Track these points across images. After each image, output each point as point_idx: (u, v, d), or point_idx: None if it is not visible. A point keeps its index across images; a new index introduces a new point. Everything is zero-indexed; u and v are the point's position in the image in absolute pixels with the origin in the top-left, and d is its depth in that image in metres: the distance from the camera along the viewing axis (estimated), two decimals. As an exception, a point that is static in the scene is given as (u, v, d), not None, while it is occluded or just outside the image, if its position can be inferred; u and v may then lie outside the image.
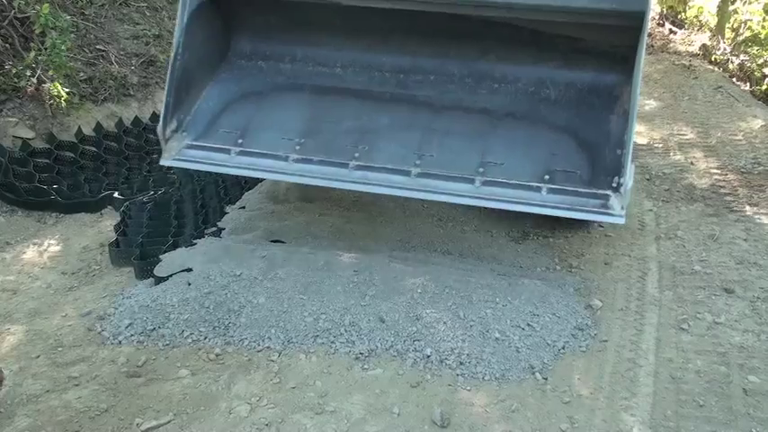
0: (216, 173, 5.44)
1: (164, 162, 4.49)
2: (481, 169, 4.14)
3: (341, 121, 4.52)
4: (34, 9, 6.57)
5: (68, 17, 6.94)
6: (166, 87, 4.42)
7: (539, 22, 4.08)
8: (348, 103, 4.64)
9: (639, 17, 3.66)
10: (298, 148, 4.40)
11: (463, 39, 4.39)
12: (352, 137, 4.40)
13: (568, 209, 3.93)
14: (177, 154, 4.48)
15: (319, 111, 4.61)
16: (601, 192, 3.91)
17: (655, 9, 16.93)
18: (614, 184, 3.86)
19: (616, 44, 4.03)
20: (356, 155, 4.30)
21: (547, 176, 4.07)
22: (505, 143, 4.28)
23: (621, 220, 3.84)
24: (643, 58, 3.70)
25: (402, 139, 4.37)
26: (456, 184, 4.10)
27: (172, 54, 4.40)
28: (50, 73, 6.50)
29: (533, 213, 4.06)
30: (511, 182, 4.07)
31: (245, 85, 4.83)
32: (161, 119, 4.43)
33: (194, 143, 4.53)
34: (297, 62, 4.83)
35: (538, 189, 4.03)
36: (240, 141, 4.50)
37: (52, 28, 6.40)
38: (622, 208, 3.83)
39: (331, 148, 4.35)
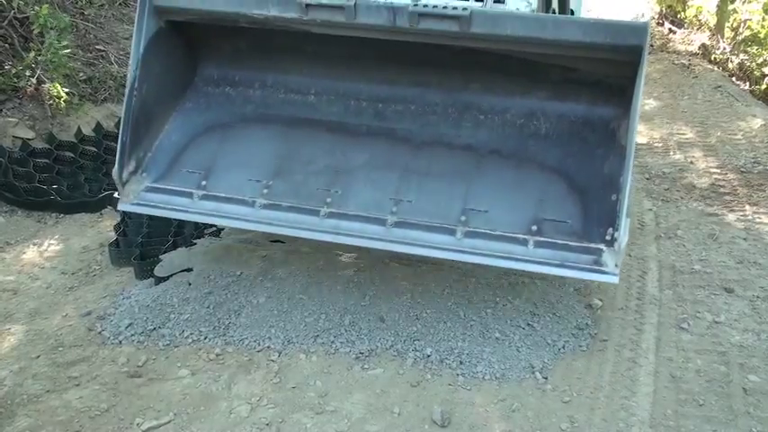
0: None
1: (121, 207, 4.10)
2: (463, 218, 3.75)
3: (313, 158, 4.14)
4: (33, 9, 6.57)
5: (67, 17, 6.93)
6: (121, 126, 3.98)
7: (528, 53, 3.73)
8: (321, 137, 4.25)
9: (637, 51, 3.31)
10: (265, 191, 4.00)
11: (446, 67, 4.06)
12: (324, 178, 4.03)
13: (557, 265, 3.53)
14: (135, 198, 4.05)
15: (290, 146, 4.23)
16: (593, 246, 3.50)
17: (654, 9, 16.94)
18: (608, 237, 3.45)
19: (612, 75, 3.71)
20: (328, 200, 3.92)
21: (534, 227, 3.66)
22: (490, 186, 3.90)
23: (615, 280, 3.42)
24: (641, 94, 3.36)
25: (378, 181, 3.99)
26: (436, 236, 3.71)
27: (127, 89, 3.96)
28: (50, 73, 6.49)
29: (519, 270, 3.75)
30: (495, 233, 3.68)
31: (212, 115, 4.40)
32: (116, 160, 3.96)
33: (154, 185, 4.09)
34: (267, 88, 4.44)
35: (524, 242, 3.63)
36: (203, 183, 4.08)
37: (51, 28, 6.39)
38: (616, 266, 3.41)
39: (301, 192, 3.99)
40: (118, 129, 7.03)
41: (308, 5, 3.64)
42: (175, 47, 4.22)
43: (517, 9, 4.36)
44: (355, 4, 3.58)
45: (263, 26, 3.90)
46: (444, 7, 3.48)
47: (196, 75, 4.48)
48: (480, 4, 4.06)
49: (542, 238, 3.60)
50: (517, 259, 3.57)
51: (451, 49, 3.78)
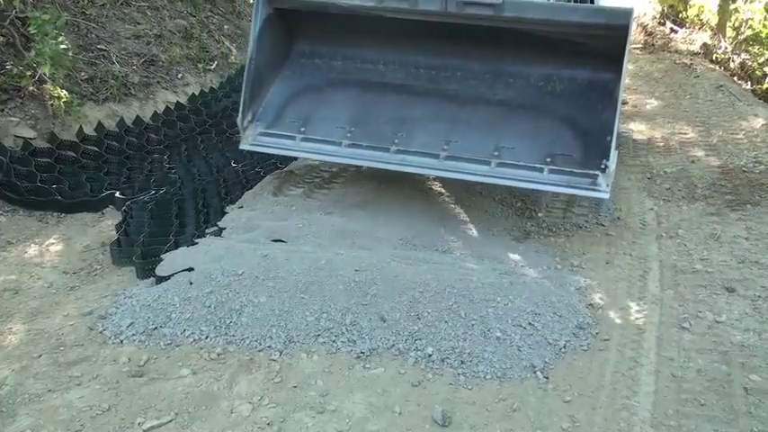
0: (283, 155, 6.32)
1: (242, 146, 5.60)
2: (496, 153, 5.05)
3: (383, 112, 5.49)
4: (34, 11, 6.57)
5: (67, 16, 6.93)
6: (243, 85, 5.45)
7: (547, 31, 4.92)
8: (389, 96, 5.60)
9: (624, 29, 4.50)
10: (349, 135, 5.40)
11: (483, 42, 5.23)
12: (392, 125, 5.38)
13: (565, 186, 4.84)
14: (253, 140, 5.57)
15: (365, 103, 5.59)
16: (591, 172, 4.78)
17: (655, 8, 16.91)
18: (602, 166, 4.72)
19: (609, 48, 4.73)
20: (396, 141, 5.27)
21: (548, 159, 4.94)
22: (516, 131, 5.17)
23: (606, 196, 4.77)
24: (627, 63, 4.59)
25: (433, 128, 5.31)
26: (476, 166, 5.03)
27: (248, 58, 5.45)
28: (50, 72, 6.48)
29: (537, 190, 5.09)
30: (519, 163, 4.96)
31: (305, 80, 5.84)
32: (240, 111, 5.47)
33: (266, 131, 5.59)
34: (347, 60, 5.81)
35: (540, 170, 4.91)
36: (303, 129, 5.52)
37: (45, 35, 6.36)
38: (607, 185, 4.72)
39: (375, 135, 5.34)
40: (120, 128, 7.10)
41: None
42: (278, 29, 5.66)
43: None
44: None
45: (347, 12, 5.19)
46: None
47: (292, 50, 5.95)
48: None
49: (554, 167, 4.90)
50: (536, 182, 4.90)
51: (488, 29, 5.01)
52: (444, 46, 5.45)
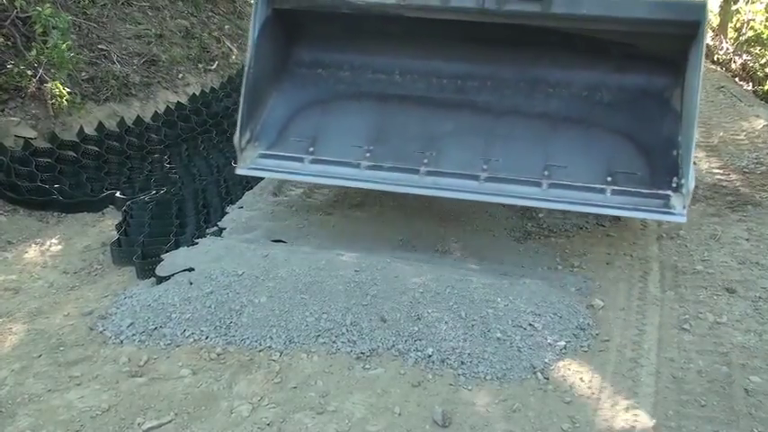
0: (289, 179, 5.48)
1: (239, 171, 4.68)
2: (546, 172, 4.34)
3: (406, 127, 4.67)
4: (36, 9, 6.58)
5: (69, 17, 6.94)
6: (241, 99, 4.60)
7: (593, 30, 4.22)
8: (411, 109, 4.77)
9: (695, 26, 3.87)
10: (368, 155, 4.56)
11: (517, 45, 4.51)
12: (419, 143, 4.55)
13: (632, 209, 4.16)
14: (252, 163, 4.67)
15: (384, 117, 4.76)
16: (662, 192, 4.13)
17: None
18: (674, 184, 4.11)
19: (667, 49, 4.15)
20: (425, 161, 4.47)
21: (609, 178, 4.27)
22: (566, 146, 4.45)
23: (683, 219, 4.09)
24: (702, 63, 3.87)
25: (467, 145, 4.53)
26: (524, 188, 4.28)
27: (246, 67, 4.60)
28: (58, 60, 6.49)
29: (599, 214, 4.32)
30: (576, 184, 4.25)
31: (309, 93, 4.98)
32: (237, 130, 4.61)
33: (267, 152, 4.72)
34: (356, 70, 4.96)
35: (602, 191, 4.23)
36: (311, 149, 4.67)
37: (54, 27, 6.40)
38: (684, 207, 4.04)
39: (400, 155, 4.52)
40: (120, 128, 7.10)
41: None
42: (278, 31, 4.82)
43: None
44: None
45: (362, 12, 4.41)
46: None
47: (290, 58, 5.09)
48: None
49: (618, 187, 4.22)
50: (597, 205, 4.21)
51: (526, 29, 4.28)
52: (470, 51, 4.72)
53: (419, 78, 4.88)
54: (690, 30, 3.89)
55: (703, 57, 3.88)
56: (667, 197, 4.11)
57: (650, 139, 4.35)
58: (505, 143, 4.50)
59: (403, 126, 4.69)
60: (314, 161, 4.62)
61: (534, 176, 4.31)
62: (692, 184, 4.00)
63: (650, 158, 4.29)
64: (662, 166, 4.20)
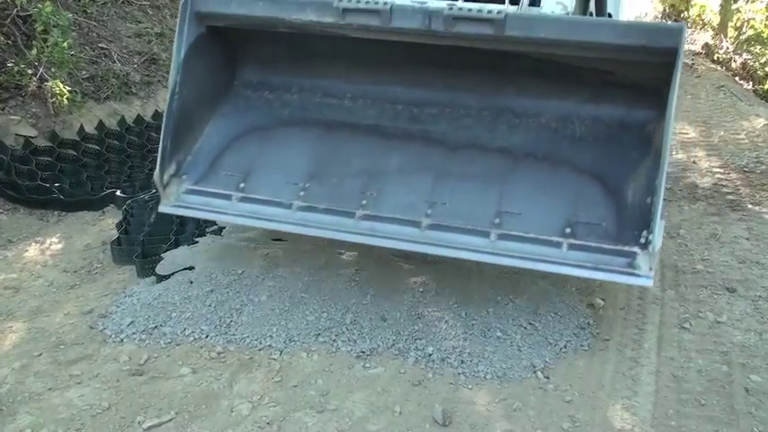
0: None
1: (162, 209, 4.17)
2: (497, 220, 3.77)
3: (349, 161, 4.18)
4: (36, 8, 6.58)
5: (69, 15, 6.94)
6: (163, 130, 4.05)
7: (558, 56, 3.73)
8: (357, 139, 4.30)
9: (672, 53, 3.31)
10: (302, 194, 4.05)
11: (480, 70, 4.03)
12: (360, 180, 4.07)
13: (591, 268, 3.53)
14: (176, 200, 4.15)
15: (327, 148, 4.28)
16: (627, 249, 3.49)
17: (657, 8, 16.90)
18: (642, 240, 3.44)
19: (648, 77, 3.69)
20: (363, 202, 3.95)
21: (568, 229, 3.67)
22: (525, 188, 3.92)
23: (649, 283, 3.43)
24: (676, 97, 3.39)
25: (413, 184, 4.01)
26: (470, 238, 3.73)
27: (168, 94, 4.08)
28: (53, 71, 6.50)
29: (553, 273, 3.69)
30: (529, 236, 3.68)
31: (250, 119, 4.47)
32: (158, 164, 4.06)
33: (194, 188, 4.17)
34: (304, 92, 4.49)
35: (558, 245, 3.64)
36: (242, 186, 4.16)
37: (54, 26, 6.40)
38: (651, 269, 3.41)
39: (337, 194, 4.03)
40: (120, 127, 7.10)
41: (344, 10, 3.70)
42: (215, 51, 4.27)
43: (552, 12, 4.28)
44: (391, 7, 3.63)
45: (301, 31, 3.94)
46: (479, 10, 3.51)
47: (235, 79, 4.53)
48: (515, 7, 3.99)
49: (576, 241, 3.61)
50: (551, 262, 3.58)
51: (485, 53, 3.77)
52: (429, 75, 4.23)
53: (371, 104, 4.37)
54: (665, 58, 3.35)
55: (677, 89, 3.38)
56: (633, 255, 3.45)
57: (623, 181, 3.79)
58: (457, 183, 3.98)
59: (346, 159, 4.19)
60: (243, 199, 4.09)
61: (483, 225, 3.76)
62: (659, 242, 3.34)
63: (620, 205, 3.72)
64: (631, 217, 3.61)
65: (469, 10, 3.54)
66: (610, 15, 6.27)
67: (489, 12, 3.49)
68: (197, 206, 4.13)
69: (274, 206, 4.02)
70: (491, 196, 3.88)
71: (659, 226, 3.31)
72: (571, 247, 3.60)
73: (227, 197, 4.10)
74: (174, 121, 4.05)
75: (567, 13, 4.62)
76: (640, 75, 3.69)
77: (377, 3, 3.66)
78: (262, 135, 4.39)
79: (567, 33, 3.52)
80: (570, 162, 3.95)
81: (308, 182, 4.10)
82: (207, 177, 4.20)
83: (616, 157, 3.86)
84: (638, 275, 3.41)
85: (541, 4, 4.34)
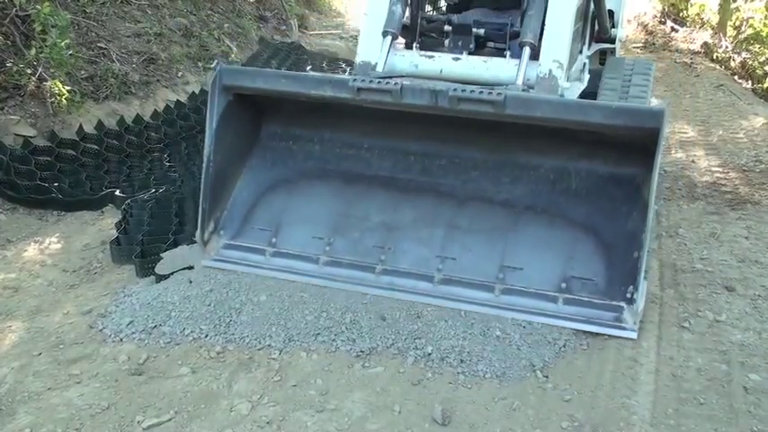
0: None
1: (205, 264, 4.52)
2: (501, 275, 4.19)
3: (367, 215, 4.58)
4: (35, 8, 6.58)
5: (68, 15, 6.94)
6: (201, 193, 4.50)
7: (553, 128, 4.09)
8: (374, 192, 4.67)
9: (655, 133, 3.67)
10: (327, 248, 4.48)
11: (485, 128, 4.31)
12: (378, 235, 4.48)
13: (583, 321, 3.96)
14: (216, 254, 4.56)
15: (347, 202, 4.66)
16: (615, 304, 3.95)
17: (656, 7, 16.89)
18: (628, 295, 3.89)
19: (636, 141, 3.98)
20: (382, 257, 4.38)
21: (563, 284, 4.09)
22: (525, 243, 4.29)
23: (634, 336, 3.87)
24: (657, 176, 3.77)
25: (425, 239, 4.42)
26: (476, 293, 4.16)
27: (204, 161, 4.49)
28: (52, 70, 6.50)
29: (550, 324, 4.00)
30: (529, 290, 4.11)
31: (276, 171, 4.85)
32: (199, 223, 4.52)
33: (231, 242, 4.61)
34: (325, 143, 4.84)
35: (554, 299, 4.07)
36: (273, 240, 4.56)
37: (53, 26, 6.40)
38: (635, 323, 3.89)
39: (358, 249, 4.45)
40: (120, 126, 7.10)
41: (359, 89, 4.10)
42: (243, 113, 4.65)
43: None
44: (401, 88, 4.04)
45: (321, 102, 4.35)
46: (481, 92, 3.90)
47: (261, 131, 4.92)
48: (518, 82, 4.34)
49: (571, 296, 4.05)
50: (548, 315, 4.00)
51: (489, 122, 4.14)
52: (438, 132, 4.59)
53: (386, 155, 4.75)
54: (649, 135, 3.72)
55: (658, 165, 3.77)
56: (620, 309, 3.93)
57: (614, 235, 4.17)
58: (464, 237, 4.39)
59: (364, 213, 4.60)
60: (275, 254, 4.52)
61: (488, 280, 4.19)
62: (642, 302, 3.90)
63: (611, 259, 4.12)
64: (620, 272, 4.01)
65: (472, 91, 3.92)
66: (611, 13, 6.56)
67: (490, 93, 3.88)
68: (235, 260, 4.51)
69: (304, 261, 4.45)
70: (495, 251, 4.29)
71: (642, 285, 3.86)
72: (566, 301, 4.04)
73: (262, 252, 4.53)
74: (210, 184, 4.49)
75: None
76: (628, 137, 4.01)
77: (388, 83, 4.07)
78: (288, 188, 4.78)
79: (561, 113, 3.92)
80: (566, 215, 4.34)
81: (332, 236, 4.52)
82: (242, 232, 4.64)
83: (608, 211, 4.24)
84: (623, 329, 3.89)
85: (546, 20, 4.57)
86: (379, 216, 4.56)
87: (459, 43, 4.84)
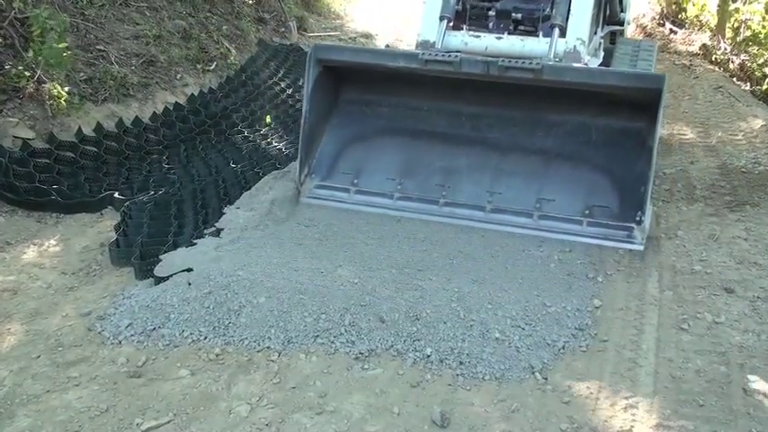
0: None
1: (302, 200, 5.65)
2: (537, 205, 5.31)
3: (430, 162, 5.68)
4: (34, 11, 6.57)
5: (66, 18, 6.93)
6: (300, 145, 5.65)
7: (578, 90, 5.20)
8: (435, 145, 5.76)
9: (658, 92, 4.76)
10: (399, 187, 5.60)
11: (522, 93, 5.39)
12: (439, 176, 5.60)
13: (602, 238, 5.06)
14: (310, 193, 5.68)
15: (412, 152, 5.76)
16: (627, 225, 5.05)
17: (655, 9, 16.90)
18: (637, 218, 5.00)
19: (642, 99, 5.00)
20: (444, 193, 5.50)
21: (587, 211, 5.20)
22: (556, 181, 5.40)
23: (641, 248, 4.97)
24: (660, 126, 4.85)
25: (477, 179, 5.54)
26: (519, 218, 5.27)
27: (302, 119, 5.60)
28: (50, 71, 6.49)
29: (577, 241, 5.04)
30: (560, 216, 5.21)
31: (354, 129, 5.97)
32: (297, 169, 5.69)
33: (322, 183, 5.75)
34: (393, 107, 5.96)
35: (580, 222, 5.17)
36: (355, 182, 5.69)
37: (51, 29, 6.39)
38: (642, 239, 4.99)
39: (424, 188, 5.57)
40: (118, 129, 7.10)
41: (426, 60, 5.23)
42: (328, 81, 5.81)
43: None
44: (460, 60, 5.17)
45: (395, 72, 5.46)
46: (523, 62, 5.03)
47: (339, 97, 6.09)
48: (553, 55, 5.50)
49: (593, 219, 5.18)
50: (576, 234, 5.12)
51: (528, 86, 5.23)
52: (485, 95, 5.58)
53: (443, 116, 5.83)
54: (654, 95, 4.77)
55: (662, 119, 4.85)
56: (631, 229, 5.03)
57: (625, 174, 5.24)
58: (508, 178, 5.48)
59: (428, 161, 5.68)
60: (357, 192, 5.63)
61: (528, 208, 5.29)
62: (648, 221, 5.00)
63: (623, 192, 5.20)
64: (630, 201, 5.08)
65: (516, 61, 5.04)
66: (622, 9, 8.27)
67: (530, 63, 4.99)
68: (325, 197, 5.66)
69: (380, 197, 5.58)
70: (532, 188, 5.41)
71: (648, 208, 5.03)
72: (589, 224, 5.16)
73: (347, 190, 5.69)
74: (306, 138, 5.63)
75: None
76: (635, 96, 5.11)
77: (449, 55, 5.23)
78: (364, 142, 5.92)
79: (585, 78, 5.13)
80: (589, 161, 5.45)
81: (402, 178, 5.65)
82: (329, 176, 5.80)
83: (621, 157, 5.35)
84: (633, 243, 5.01)
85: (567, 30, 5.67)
86: (440, 162, 5.68)
87: (501, 25, 6.01)
